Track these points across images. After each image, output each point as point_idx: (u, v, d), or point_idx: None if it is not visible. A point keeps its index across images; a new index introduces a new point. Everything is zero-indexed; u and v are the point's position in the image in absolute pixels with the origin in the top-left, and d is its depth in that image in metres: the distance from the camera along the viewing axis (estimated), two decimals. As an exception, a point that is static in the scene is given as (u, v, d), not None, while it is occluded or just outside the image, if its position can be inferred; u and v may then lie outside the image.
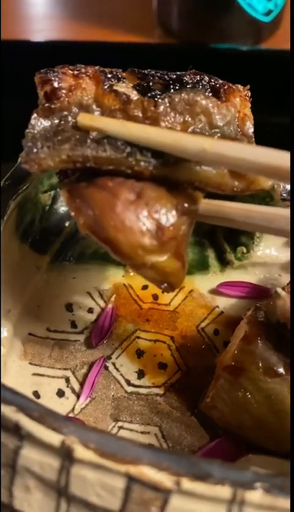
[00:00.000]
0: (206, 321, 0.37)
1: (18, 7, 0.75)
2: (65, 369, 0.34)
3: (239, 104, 0.30)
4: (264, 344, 0.29)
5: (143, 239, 0.25)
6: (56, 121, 0.26)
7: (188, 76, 0.29)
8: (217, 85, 0.29)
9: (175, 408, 0.33)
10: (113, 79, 0.28)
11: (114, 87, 0.28)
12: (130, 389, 0.33)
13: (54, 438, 0.21)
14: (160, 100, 0.28)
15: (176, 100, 0.28)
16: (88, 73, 0.28)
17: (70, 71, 0.28)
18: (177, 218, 0.26)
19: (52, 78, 0.27)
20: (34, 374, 0.33)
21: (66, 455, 0.21)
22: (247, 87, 0.31)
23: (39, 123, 0.26)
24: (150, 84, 0.29)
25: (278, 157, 0.24)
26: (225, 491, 0.20)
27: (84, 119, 0.26)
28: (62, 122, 0.26)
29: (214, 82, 0.29)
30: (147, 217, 0.25)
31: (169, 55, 0.59)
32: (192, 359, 0.35)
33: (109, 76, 0.28)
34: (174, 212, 0.26)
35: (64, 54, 0.61)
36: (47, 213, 0.39)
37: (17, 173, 0.34)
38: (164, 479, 0.20)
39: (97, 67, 0.29)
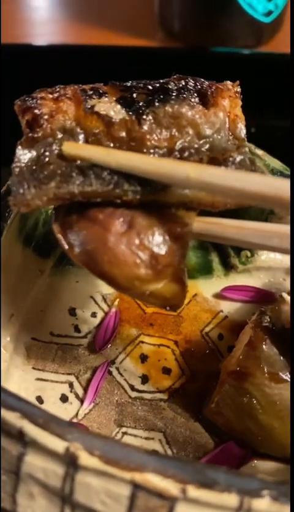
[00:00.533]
0: (210, 325, 0.37)
1: (20, 11, 0.75)
2: (68, 374, 0.34)
3: (228, 105, 0.29)
4: (270, 349, 0.29)
5: (138, 270, 0.25)
6: (41, 150, 0.26)
7: (172, 83, 0.28)
8: (203, 88, 0.28)
9: (179, 414, 0.32)
10: (94, 96, 0.27)
11: (96, 108, 0.27)
12: (134, 394, 0.33)
13: (58, 444, 0.21)
14: (144, 116, 0.27)
15: (161, 115, 0.27)
16: (67, 95, 0.27)
17: (49, 94, 0.27)
18: (171, 244, 0.26)
19: (32, 105, 0.26)
20: (37, 379, 0.33)
21: (70, 462, 0.21)
22: (236, 83, 0.30)
23: (24, 155, 0.26)
24: (134, 95, 0.28)
25: (264, 184, 0.23)
26: (231, 499, 0.20)
27: (69, 148, 0.26)
28: (47, 153, 0.26)
29: (200, 85, 0.29)
30: (140, 248, 0.26)
31: (171, 58, 0.59)
32: (196, 364, 0.35)
33: (90, 93, 0.27)
34: (167, 238, 0.26)
35: (66, 57, 0.61)
36: (50, 217, 0.38)
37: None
38: (170, 486, 0.20)
39: (76, 86, 0.28)
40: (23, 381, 0.33)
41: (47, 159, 0.26)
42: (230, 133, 0.29)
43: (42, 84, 0.61)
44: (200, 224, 0.27)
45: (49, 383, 0.33)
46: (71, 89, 0.28)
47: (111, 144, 0.27)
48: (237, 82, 0.30)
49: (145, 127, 0.27)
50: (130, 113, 0.27)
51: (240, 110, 0.29)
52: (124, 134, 0.27)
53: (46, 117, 0.26)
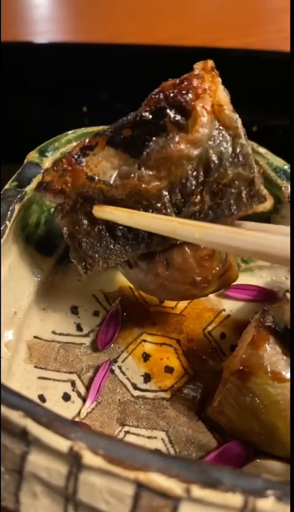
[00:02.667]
0: (212, 324, 0.37)
1: (21, 9, 0.75)
2: (70, 373, 0.34)
3: (208, 101, 0.28)
4: (272, 348, 0.29)
5: (192, 292, 0.31)
6: (75, 216, 0.31)
7: (146, 112, 0.29)
8: (177, 100, 0.28)
9: (182, 413, 0.32)
10: (87, 151, 0.30)
11: (96, 176, 0.29)
12: (136, 393, 0.33)
13: (62, 444, 0.21)
14: (140, 171, 0.29)
15: (150, 163, 0.28)
16: (66, 168, 0.30)
17: (54, 173, 0.30)
18: (207, 264, 0.30)
19: (48, 190, 0.31)
20: (40, 378, 0.33)
21: (74, 461, 0.21)
22: (207, 62, 0.29)
23: (66, 226, 0.31)
24: (120, 135, 0.29)
25: (260, 244, 0.24)
26: (236, 499, 0.20)
27: (97, 212, 0.30)
28: (82, 220, 0.31)
29: (173, 98, 0.28)
30: (184, 280, 0.31)
31: (174, 57, 0.59)
32: (198, 363, 0.35)
33: (82, 153, 0.30)
34: (202, 262, 0.30)
35: (67, 55, 0.61)
36: (52, 215, 0.38)
37: (23, 174, 0.34)
38: (174, 486, 0.20)
39: (68, 154, 0.30)
40: (25, 379, 0.33)
41: (84, 225, 0.31)
42: (220, 127, 0.28)
43: (42, 82, 0.61)
44: None
45: (51, 382, 0.33)
46: (66, 159, 0.30)
47: (124, 197, 0.29)
48: (208, 60, 0.29)
49: (145, 179, 0.29)
50: (126, 152, 0.29)
51: (221, 92, 0.29)
52: (128, 191, 0.29)
53: (61, 194, 0.30)
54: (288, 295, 0.30)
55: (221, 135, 0.29)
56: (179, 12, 0.78)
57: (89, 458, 0.21)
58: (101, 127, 0.38)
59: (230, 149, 0.29)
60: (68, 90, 0.60)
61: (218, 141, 0.28)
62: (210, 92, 0.28)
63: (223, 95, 0.29)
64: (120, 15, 0.73)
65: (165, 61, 0.61)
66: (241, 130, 0.29)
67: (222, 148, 0.29)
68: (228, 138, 0.29)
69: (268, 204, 0.29)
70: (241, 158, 0.29)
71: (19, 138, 0.55)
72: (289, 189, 0.36)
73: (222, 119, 0.28)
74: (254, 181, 0.29)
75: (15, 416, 0.22)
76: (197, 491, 0.20)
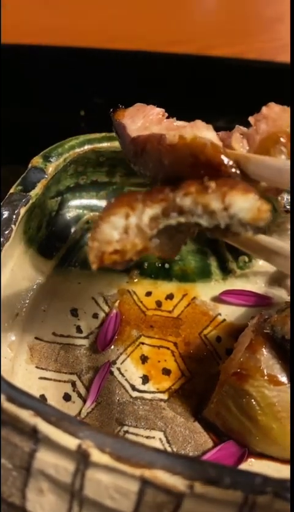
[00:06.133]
0: (208, 328, 0.38)
1: (21, 12, 0.75)
2: (71, 373, 0.34)
3: (139, 244, 0.24)
4: (269, 353, 0.30)
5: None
6: None
7: None
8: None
9: (179, 414, 0.33)
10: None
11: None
12: (134, 394, 0.34)
13: (70, 442, 0.22)
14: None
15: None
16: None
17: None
18: None
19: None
20: (41, 378, 0.34)
21: (82, 459, 0.22)
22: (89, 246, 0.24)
23: None
24: None
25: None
26: (236, 495, 0.21)
27: None
28: None
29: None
30: None
31: (172, 64, 0.60)
32: (195, 366, 0.36)
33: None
34: None
35: (65, 59, 0.62)
36: (54, 219, 0.39)
37: (27, 179, 0.35)
38: (177, 483, 0.21)
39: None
40: (27, 379, 0.33)
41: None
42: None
43: (39, 86, 0.62)
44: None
45: (52, 382, 0.34)
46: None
47: None
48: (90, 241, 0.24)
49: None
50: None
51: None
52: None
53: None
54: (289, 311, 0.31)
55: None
56: (175, 18, 0.79)
57: (97, 456, 0.21)
58: (103, 134, 0.39)
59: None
60: (65, 94, 0.61)
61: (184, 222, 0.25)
62: (129, 248, 0.24)
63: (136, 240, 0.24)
64: (117, 20, 0.74)
65: (161, 66, 0.62)
66: (172, 217, 0.25)
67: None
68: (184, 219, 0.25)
69: (265, 214, 0.28)
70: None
71: (17, 140, 0.55)
72: (284, 199, 0.37)
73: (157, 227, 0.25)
74: (233, 224, 0.25)
75: (25, 415, 0.22)
76: (200, 488, 0.21)
